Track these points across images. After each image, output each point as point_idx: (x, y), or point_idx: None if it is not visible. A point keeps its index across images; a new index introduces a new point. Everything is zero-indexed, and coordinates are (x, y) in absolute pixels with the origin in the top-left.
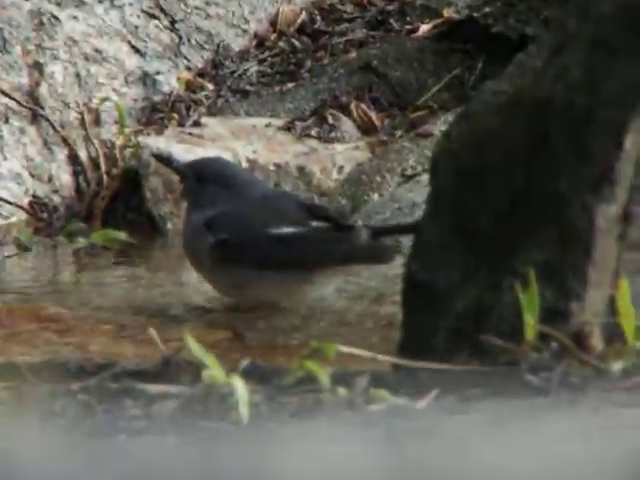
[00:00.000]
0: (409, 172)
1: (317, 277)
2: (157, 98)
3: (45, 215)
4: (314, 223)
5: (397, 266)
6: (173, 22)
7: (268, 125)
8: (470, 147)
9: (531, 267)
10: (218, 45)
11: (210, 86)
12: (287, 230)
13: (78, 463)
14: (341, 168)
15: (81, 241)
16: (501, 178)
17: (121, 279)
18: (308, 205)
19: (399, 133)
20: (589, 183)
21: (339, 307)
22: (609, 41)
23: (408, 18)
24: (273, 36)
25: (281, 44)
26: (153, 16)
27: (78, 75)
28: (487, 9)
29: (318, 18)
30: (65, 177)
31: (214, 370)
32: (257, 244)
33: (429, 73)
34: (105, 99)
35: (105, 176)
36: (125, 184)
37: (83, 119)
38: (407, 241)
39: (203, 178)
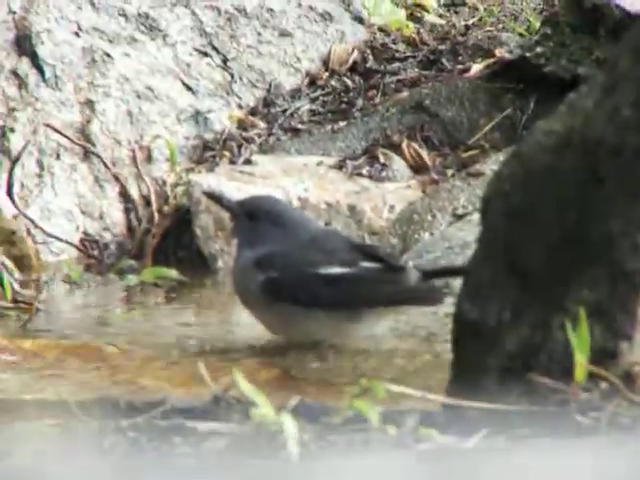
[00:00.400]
0: (460, 211)
1: (366, 317)
2: (209, 136)
3: (96, 252)
4: (364, 263)
5: (448, 305)
6: (225, 60)
7: (320, 164)
8: (521, 186)
9: (581, 306)
10: (270, 83)
11: (262, 124)
12: (337, 270)
13: None
14: (392, 207)
15: (131, 279)
16: (552, 217)
17: (171, 317)
18: (358, 245)
19: (450, 172)
20: (639, 223)
21: (389, 346)
22: None
23: (460, 58)
24: (325, 75)
25: (333, 83)
26: (205, 54)
27: (130, 113)
28: (539, 49)
29: (370, 57)
30: (116, 214)
31: (264, 408)
32: (307, 283)
33: (481, 113)
34: (157, 137)
35: (156, 214)
36: (176, 222)
37: (134, 157)
38: (456, 283)
39: (254, 216)
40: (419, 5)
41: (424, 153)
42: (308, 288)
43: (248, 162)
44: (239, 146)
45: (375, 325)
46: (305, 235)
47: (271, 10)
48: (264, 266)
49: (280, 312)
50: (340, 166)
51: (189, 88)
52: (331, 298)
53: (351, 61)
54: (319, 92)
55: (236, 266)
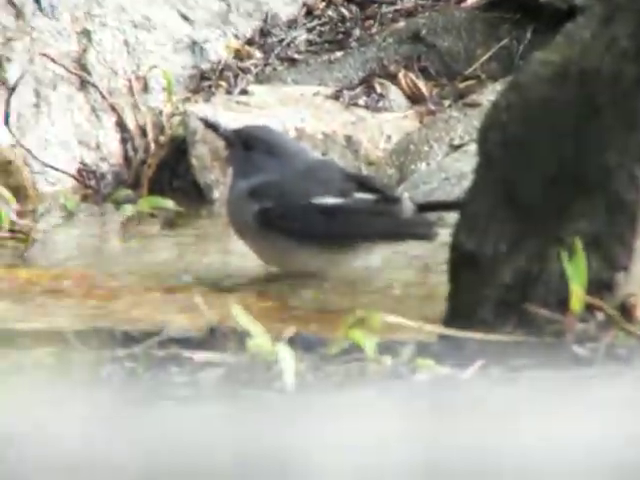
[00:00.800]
0: (457, 142)
1: (359, 249)
2: (205, 66)
3: (92, 182)
4: (359, 195)
5: (444, 235)
6: None
7: (316, 94)
8: (519, 117)
9: (578, 237)
10: (267, 13)
11: (258, 54)
12: (331, 201)
13: (116, 428)
14: (389, 137)
15: (128, 208)
16: (549, 148)
17: (168, 247)
18: (354, 175)
19: (447, 103)
20: (637, 154)
21: (385, 277)
22: None
23: None
24: (322, 4)
25: (330, 13)
26: None
27: (126, 42)
28: None
29: None
30: (113, 144)
31: (260, 338)
32: (301, 214)
33: (478, 43)
34: (153, 67)
35: (152, 144)
36: (172, 152)
37: (131, 86)
38: (451, 216)
39: (250, 145)
40: None
41: (421, 83)
42: (302, 219)
43: (244, 92)
44: (235, 76)
45: (369, 258)
46: (300, 165)
47: None
48: (258, 196)
49: (274, 243)
50: (337, 96)
51: (186, 18)
52: (325, 229)
53: None
54: (316, 22)
55: (230, 196)
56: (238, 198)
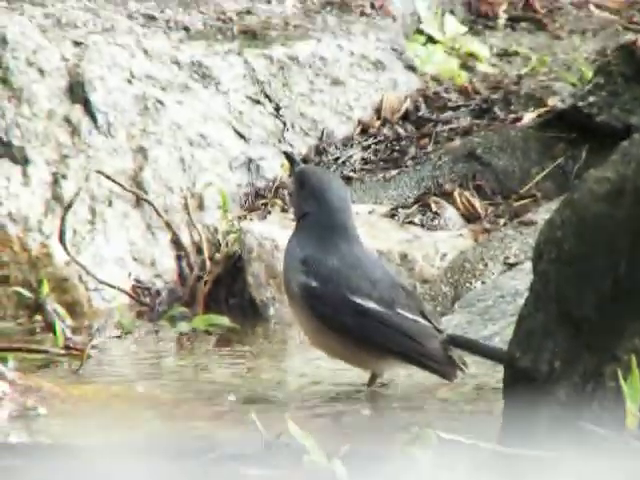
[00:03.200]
0: (512, 260)
1: (383, 363)
2: (260, 184)
3: (147, 299)
4: (400, 311)
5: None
6: (278, 108)
7: (371, 212)
8: (574, 234)
9: (633, 355)
10: (322, 131)
11: None
12: (372, 306)
13: None
14: (444, 255)
15: (183, 326)
16: (604, 266)
17: (223, 364)
18: (406, 289)
19: (502, 221)
20: None
21: (441, 394)
22: None
23: (512, 107)
24: (377, 123)
25: (385, 131)
26: (258, 102)
27: (182, 160)
28: (591, 98)
29: (422, 106)
30: (168, 262)
31: (315, 454)
32: (341, 308)
33: (533, 162)
34: (209, 184)
35: (208, 261)
36: (228, 269)
37: (186, 204)
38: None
39: (305, 186)
40: (472, 54)
41: (476, 202)
42: (340, 313)
43: None
44: (290, 194)
45: (393, 372)
46: (354, 246)
47: (323, 58)
48: (307, 267)
49: (310, 319)
50: (392, 214)
51: (241, 136)
52: (357, 329)
53: (403, 109)
54: (371, 140)
55: (286, 256)
56: (291, 261)
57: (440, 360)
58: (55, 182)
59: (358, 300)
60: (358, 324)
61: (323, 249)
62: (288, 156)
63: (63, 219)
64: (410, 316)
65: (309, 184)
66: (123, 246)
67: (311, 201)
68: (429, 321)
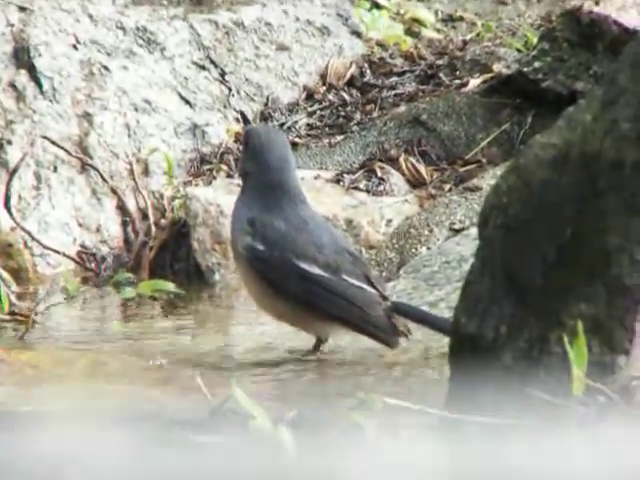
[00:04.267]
0: (457, 226)
1: (328, 328)
2: (206, 149)
3: (93, 265)
4: (346, 276)
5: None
6: (223, 74)
7: (317, 177)
8: (519, 200)
9: (579, 320)
10: (267, 97)
11: None
12: (317, 271)
13: None
14: (389, 221)
15: (129, 291)
16: (550, 231)
17: (168, 329)
18: (353, 254)
19: (448, 187)
20: (638, 238)
21: (387, 359)
22: None
23: (458, 72)
24: (322, 89)
25: (330, 97)
26: (203, 67)
27: (127, 125)
28: (537, 64)
29: (368, 72)
30: (113, 227)
31: (261, 420)
32: (286, 272)
33: (478, 127)
34: (154, 150)
35: (153, 227)
36: (173, 235)
37: (132, 169)
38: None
39: (248, 146)
40: (417, 20)
41: (422, 167)
42: (286, 278)
43: None
44: (236, 160)
45: (337, 337)
46: (299, 207)
47: (269, 24)
48: (254, 229)
49: (258, 282)
50: (337, 180)
51: (187, 101)
52: (303, 294)
53: (349, 75)
54: (316, 106)
55: (233, 218)
56: (238, 222)
57: (383, 327)
58: (0, 147)
59: (303, 265)
60: (303, 289)
61: (268, 210)
62: (243, 116)
63: (8, 184)
64: (355, 282)
65: (251, 143)
66: (68, 212)
67: (252, 161)
68: (375, 287)
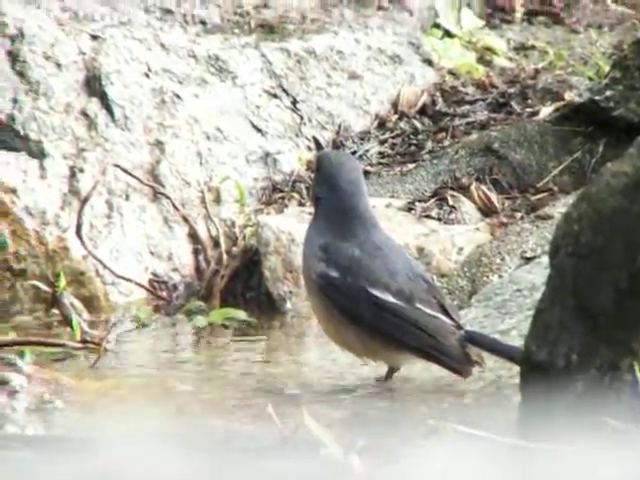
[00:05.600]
0: (529, 254)
1: (400, 357)
2: (278, 178)
3: (164, 293)
4: (420, 305)
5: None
6: (295, 102)
7: (388, 206)
8: (591, 228)
9: None
10: (339, 125)
11: None
12: (391, 299)
13: None
14: (461, 249)
15: (200, 320)
16: (621, 259)
17: (240, 358)
18: (429, 283)
19: (519, 215)
20: None
21: (458, 387)
22: None
23: (529, 101)
24: (394, 117)
25: (402, 125)
26: (275, 96)
27: (199, 154)
28: (608, 92)
29: (439, 100)
30: (185, 255)
31: (332, 448)
32: (359, 300)
33: (550, 156)
34: (226, 178)
35: (225, 255)
36: (244, 263)
37: (204, 197)
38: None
39: (319, 171)
40: (489, 48)
41: (493, 196)
42: (358, 305)
43: None
44: (308, 188)
45: (409, 365)
46: (372, 232)
47: (340, 52)
48: (327, 256)
49: (328, 309)
50: (409, 208)
51: (258, 129)
52: (375, 322)
53: (420, 104)
54: (388, 134)
55: (305, 245)
56: (310, 249)
57: (456, 356)
58: (72, 176)
59: (377, 293)
60: (375, 317)
61: (341, 236)
62: (316, 141)
63: (80, 213)
64: (428, 311)
65: (322, 168)
66: (140, 240)
67: (323, 186)
68: (449, 315)
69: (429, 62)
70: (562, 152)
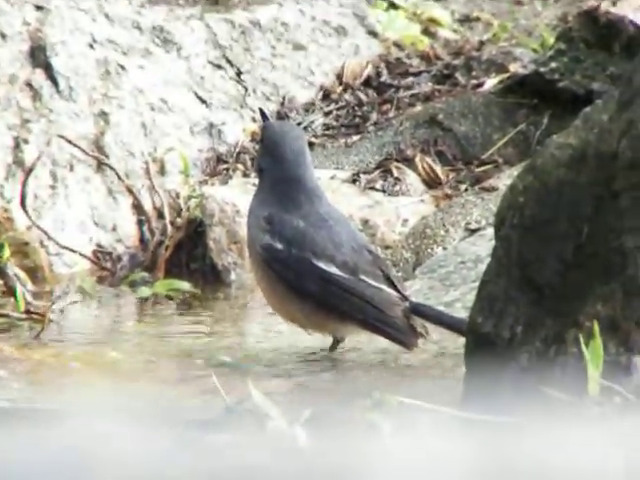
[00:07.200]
0: (473, 226)
1: (344, 329)
2: (222, 149)
3: (109, 264)
4: (364, 277)
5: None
6: (239, 73)
7: (333, 177)
8: (536, 200)
9: (595, 320)
10: (284, 97)
11: None
12: (335, 271)
13: None
14: (405, 221)
15: (144, 290)
16: (566, 231)
17: (184, 329)
18: (372, 253)
19: (464, 187)
20: None
21: (402, 359)
22: None
23: (474, 72)
24: (339, 89)
25: (346, 97)
26: (219, 67)
27: (144, 124)
28: (553, 64)
29: (384, 71)
30: (129, 226)
31: (277, 420)
32: (303, 272)
33: (494, 128)
34: (170, 149)
35: (169, 226)
36: (189, 234)
37: (148, 168)
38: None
39: (263, 141)
40: (433, 20)
41: (437, 167)
42: (303, 278)
43: None
44: (252, 159)
45: (352, 337)
46: (316, 202)
47: (285, 24)
48: (272, 227)
49: (272, 281)
50: (353, 180)
51: (203, 101)
52: (320, 294)
53: (365, 75)
54: (333, 106)
55: (250, 212)
56: (254, 220)
57: (401, 328)
58: (16, 146)
59: (321, 265)
60: (320, 290)
61: (285, 207)
62: (262, 112)
63: (24, 183)
64: (373, 283)
65: (265, 139)
66: (84, 211)
67: (267, 156)
68: (394, 287)
69: (374, 34)
70: (507, 124)
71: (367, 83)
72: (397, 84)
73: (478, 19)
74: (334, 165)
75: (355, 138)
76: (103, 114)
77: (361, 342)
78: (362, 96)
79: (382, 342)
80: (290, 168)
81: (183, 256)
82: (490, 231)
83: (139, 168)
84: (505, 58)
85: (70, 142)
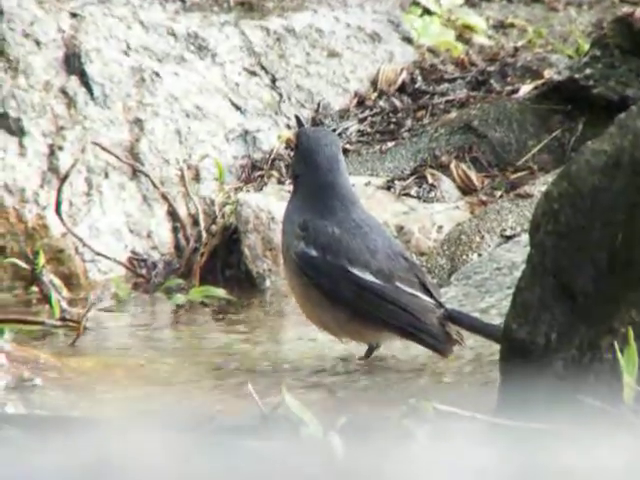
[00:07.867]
0: (508, 232)
1: (379, 336)
2: (257, 155)
3: (144, 271)
4: (400, 284)
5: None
6: (274, 80)
7: (368, 184)
8: (570, 207)
9: (630, 327)
10: (318, 103)
11: None
12: (371, 279)
13: None
14: (440, 228)
15: (179, 297)
16: (601, 238)
17: (219, 335)
18: (408, 260)
19: (499, 193)
20: None
21: (437, 366)
22: None
23: (509, 79)
24: (373, 95)
25: (381, 103)
26: (254, 74)
27: (178, 131)
28: (588, 70)
29: (419, 78)
30: (164, 233)
31: (312, 427)
32: (339, 281)
33: (529, 134)
34: (205, 156)
35: (204, 233)
36: (224, 241)
37: (183, 175)
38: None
39: (298, 148)
40: (468, 26)
41: (472, 174)
42: (338, 285)
43: None
44: (287, 166)
45: (388, 344)
46: (351, 209)
47: (320, 30)
48: (306, 234)
49: (306, 288)
50: (388, 186)
51: (238, 107)
52: (354, 301)
53: (400, 82)
54: (367, 112)
55: (285, 218)
56: (289, 226)
57: (436, 335)
58: (51, 154)
59: (356, 272)
60: (355, 297)
61: (320, 213)
62: (298, 119)
63: (59, 191)
64: (408, 290)
65: (300, 145)
66: (119, 218)
67: (301, 163)
68: (430, 294)
69: (408, 40)
70: (541, 130)
71: (402, 89)
72: (432, 90)
73: (513, 25)
74: (369, 171)
75: (390, 144)
76: (138, 121)
77: (396, 349)
78: (397, 102)
79: (417, 349)
80: (324, 174)
81: (218, 263)
82: (525, 237)
83: (174, 175)
84: (540, 64)
85: (105, 149)
